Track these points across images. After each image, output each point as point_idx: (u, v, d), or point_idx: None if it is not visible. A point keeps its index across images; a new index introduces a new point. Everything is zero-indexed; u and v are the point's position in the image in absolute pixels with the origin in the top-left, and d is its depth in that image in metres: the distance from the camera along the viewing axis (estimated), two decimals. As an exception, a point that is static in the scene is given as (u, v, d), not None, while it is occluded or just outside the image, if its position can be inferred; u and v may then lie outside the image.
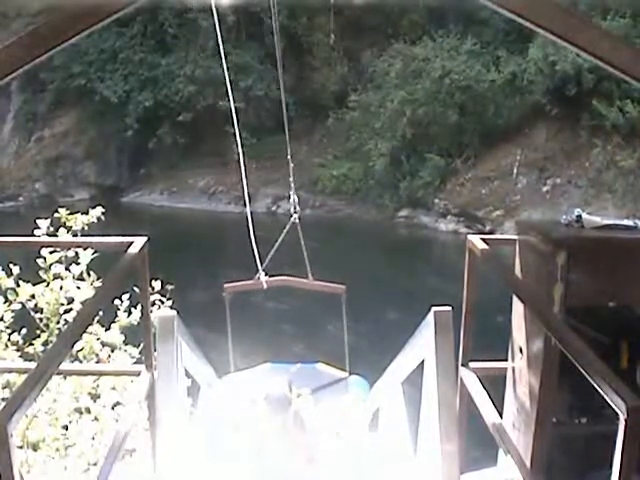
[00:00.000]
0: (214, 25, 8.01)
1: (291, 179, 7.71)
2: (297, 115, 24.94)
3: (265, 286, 7.05)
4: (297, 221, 7.39)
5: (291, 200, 7.54)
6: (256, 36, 24.70)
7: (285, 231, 7.44)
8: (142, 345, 3.83)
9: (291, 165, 7.98)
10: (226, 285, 6.99)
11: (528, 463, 2.89)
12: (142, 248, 3.43)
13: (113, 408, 5.36)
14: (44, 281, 5.50)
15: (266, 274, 7.03)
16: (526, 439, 3.02)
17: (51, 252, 5.40)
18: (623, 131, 19.91)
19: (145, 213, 24.38)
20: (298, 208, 7.47)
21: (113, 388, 5.41)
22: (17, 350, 5.42)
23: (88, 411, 5.36)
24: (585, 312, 2.89)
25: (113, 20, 2.75)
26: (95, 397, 5.41)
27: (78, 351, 5.32)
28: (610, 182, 20.01)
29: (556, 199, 20.66)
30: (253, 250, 6.91)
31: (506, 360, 3.39)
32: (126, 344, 5.65)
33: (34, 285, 5.46)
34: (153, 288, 5.31)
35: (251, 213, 7.45)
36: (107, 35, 25.05)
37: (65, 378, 5.21)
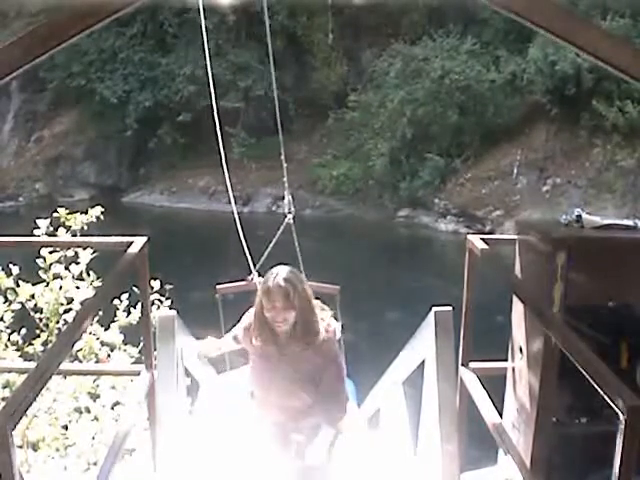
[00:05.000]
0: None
1: (285, 179, 7.61)
2: (297, 115, 24.92)
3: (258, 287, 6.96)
4: (291, 221, 7.31)
5: (285, 200, 7.45)
6: (256, 36, 24.69)
7: (280, 231, 7.36)
8: (142, 345, 3.83)
9: (284, 165, 7.88)
10: (218, 286, 6.92)
11: (528, 463, 2.89)
12: (142, 248, 3.44)
13: (113, 408, 5.36)
14: (44, 281, 5.50)
15: (259, 275, 6.95)
16: (526, 439, 3.02)
17: (51, 252, 5.40)
18: (623, 131, 19.88)
19: (145, 213, 24.36)
20: (293, 208, 7.38)
21: (113, 388, 5.41)
22: (17, 350, 5.43)
23: (88, 411, 5.36)
24: (585, 312, 2.89)
25: (113, 20, 2.75)
26: (95, 397, 5.41)
27: (78, 351, 5.32)
28: (610, 182, 20.01)
29: (556, 199, 20.65)
30: (244, 251, 6.84)
31: (506, 360, 3.39)
32: (125, 344, 5.65)
33: (34, 285, 5.45)
34: (152, 288, 5.31)
35: (239, 213, 7.38)
36: (107, 35, 25.01)
37: (65, 378, 5.21)
